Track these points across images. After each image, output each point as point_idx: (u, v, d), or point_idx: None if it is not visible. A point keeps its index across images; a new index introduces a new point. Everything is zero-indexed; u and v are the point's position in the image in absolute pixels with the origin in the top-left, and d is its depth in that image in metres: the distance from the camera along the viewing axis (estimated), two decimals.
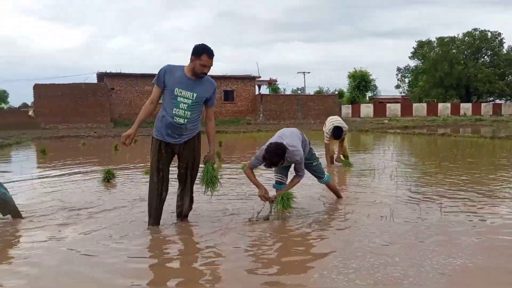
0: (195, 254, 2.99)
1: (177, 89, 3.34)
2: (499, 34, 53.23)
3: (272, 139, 3.96)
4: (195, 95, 3.38)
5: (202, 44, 3.36)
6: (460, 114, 42.42)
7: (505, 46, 54.02)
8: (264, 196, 3.84)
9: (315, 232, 3.42)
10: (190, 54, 3.35)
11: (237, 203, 4.49)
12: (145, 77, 28.81)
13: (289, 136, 4.00)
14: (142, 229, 3.51)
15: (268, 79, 41.23)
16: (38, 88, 27.43)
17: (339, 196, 4.58)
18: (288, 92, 58.45)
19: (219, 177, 3.68)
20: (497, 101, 53.36)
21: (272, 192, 4.04)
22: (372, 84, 49.80)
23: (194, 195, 3.71)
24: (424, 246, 2.97)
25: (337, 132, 7.00)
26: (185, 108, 3.36)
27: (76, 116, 26.43)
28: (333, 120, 7.30)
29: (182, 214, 3.69)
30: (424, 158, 8.79)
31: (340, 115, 21.46)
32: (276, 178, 4.24)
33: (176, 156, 3.55)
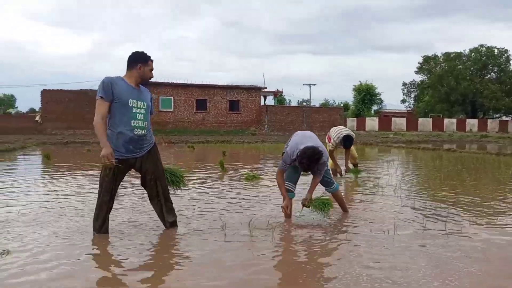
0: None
1: (131, 100, 3.27)
2: (506, 50, 53.33)
3: (300, 142, 4.00)
4: (145, 103, 3.39)
5: (141, 51, 3.37)
6: (466, 130, 42.26)
7: None
8: (285, 208, 3.99)
9: (316, 246, 3.40)
10: (129, 63, 3.33)
11: (234, 214, 4.47)
12: (152, 85, 29.04)
13: (314, 138, 4.16)
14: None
15: (274, 90, 41.42)
16: (46, 94, 27.76)
17: (345, 210, 4.52)
18: (294, 103, 58.61)
19: (181, 174, 3.78)
20: (504, 117, 53.16)
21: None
22: (377, 97, 49.84)
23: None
24: (423, 267, 2.94)
25: (347, 141, 6.94)
26: (142, 118, 3.35)
27: (82, 122, 26.62)
28: (341, 129, 7.24)
29: (168, 225, 3.64)
30: (429, 173, 8.73)
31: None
32: (286, 186, 4.20)
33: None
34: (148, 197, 3.65)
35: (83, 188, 5.99)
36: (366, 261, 2.98)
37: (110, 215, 3.56)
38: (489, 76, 54.50)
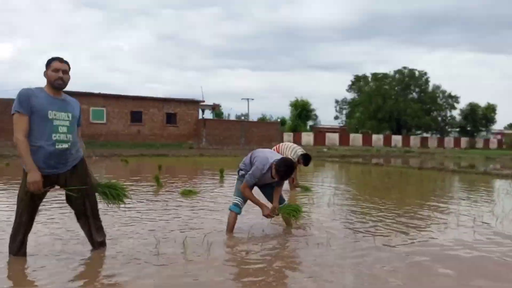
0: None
1: (51, 111, 3.01)
2: (425, 73, 58.52)
3: (269, 156, 4.15)
4: (70, 115, 3.13)
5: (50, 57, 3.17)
6: (392, 145, 45.35)
7: (431, 84, 59.44)
8: (270, 215, 4.19)
9: (252, 261, 3.36)
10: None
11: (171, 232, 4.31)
12: (83, 95, 27.56)
13: (276, 154, 4.34)
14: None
15: (212, 104, 41.31)
16: None
17: (289, 224, 4.56)
18: (232, 117, 58.90)
19: (122, 186, 3.57)
20: (424, 134, 57.94)
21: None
22: (312, 113, 51.83)
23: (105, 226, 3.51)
24: (354, 282, 3.03)
25: (307, 160, 7.17)
26: (66, 131, 3.07)
27: (1, 134, 24.38)
28: (295, 147, 7.38)
29: (94, 244, 3.39)
30: (359, 186, 9.17)
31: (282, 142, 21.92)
32: (235, 200, 4.26)
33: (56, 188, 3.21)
34: (74, 215, 3.38)
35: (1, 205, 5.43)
36: (300, 275, 3.00)
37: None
38: (411, 95, 59.25)
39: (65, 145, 3.08)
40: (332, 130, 54.26)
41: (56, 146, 3.03)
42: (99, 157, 16.71)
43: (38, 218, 3.90)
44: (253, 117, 59.32)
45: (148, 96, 31.57)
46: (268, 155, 4.19)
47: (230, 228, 4.23)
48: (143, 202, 6.08)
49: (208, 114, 41.29)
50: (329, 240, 3.90)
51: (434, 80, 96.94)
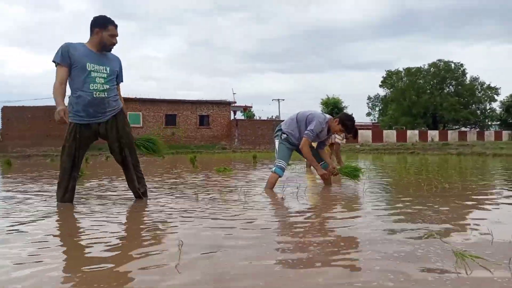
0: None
1: (89, 64, 3.22)
2: (462, 65, 56.25)
3: (321, 112, 4.42)
4: (108, 68, 3.31)
5: (102, 15, 3.33)
6: (428, 140, 43.93)
7: (468, 76, 57.08)
8: (326, 174, 4.39)
9: (291, 206, 3.45)
10: (90, 28, 3.28)
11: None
12: None
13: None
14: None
15: (243, 105, 41.72)
16: (7, 111, 26.74)
17: (328, 183, 4.64)
18: (264, 119, 59.07)
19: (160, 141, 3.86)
20: (463, 128, 55.71)
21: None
22: (344, 111, 51.07)
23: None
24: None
25: (356, 131, 7.06)
26: (103, 82, 3.26)
27: (47, 139, 25.73)
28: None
29: (137, 193, 3.60)
30: (394, 167, 9.05)
31: None
32: (279, 164, 4.30)
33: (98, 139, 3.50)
34: (121, 167, 3.62)
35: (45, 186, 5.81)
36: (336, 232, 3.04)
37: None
38: (447, 89, 57.17)
39: (102, 94, 3.29)
40: (365, 127, 53.21)
41: (94, 95, 3.25)
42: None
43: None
44: (284, 118, 59.28)
45: (181, 99, 32.33)
46: (319, 112, 4.39)
47: (270, 186, 4.25)
48: (179, 176, 6.30)
49: (240, 116, 41.75)
50: (364, 195, 3.92)
51: (472, 73, 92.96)
